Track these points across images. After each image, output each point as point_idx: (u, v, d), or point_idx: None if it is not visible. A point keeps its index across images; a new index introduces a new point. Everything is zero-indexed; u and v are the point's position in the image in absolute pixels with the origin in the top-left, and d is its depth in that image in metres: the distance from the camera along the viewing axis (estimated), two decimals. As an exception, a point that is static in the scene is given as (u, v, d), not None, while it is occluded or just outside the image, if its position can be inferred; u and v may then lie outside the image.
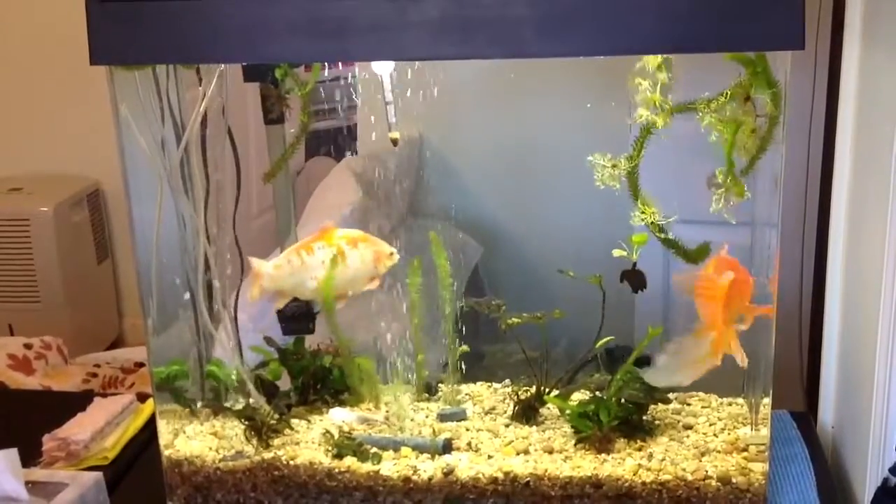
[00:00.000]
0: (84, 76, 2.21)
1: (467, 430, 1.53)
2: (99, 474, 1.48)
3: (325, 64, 1.52)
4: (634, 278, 1.40)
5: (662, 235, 1.36)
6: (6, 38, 3.45)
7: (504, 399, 1.61)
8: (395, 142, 1.47)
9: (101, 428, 1.66)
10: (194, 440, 1.53)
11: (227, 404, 1.58)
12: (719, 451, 1.44)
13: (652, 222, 1.35)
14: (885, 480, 1.33)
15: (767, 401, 1.43)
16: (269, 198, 1.65)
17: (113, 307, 3.67)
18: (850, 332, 1.60)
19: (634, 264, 1.40)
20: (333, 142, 2.39)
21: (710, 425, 1.51)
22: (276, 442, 1.51)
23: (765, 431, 1.43)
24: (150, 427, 1.66)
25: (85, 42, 1.33)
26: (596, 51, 1.24)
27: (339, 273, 1.48)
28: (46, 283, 3.39)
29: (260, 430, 1.49)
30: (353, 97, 1.84)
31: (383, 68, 1.42)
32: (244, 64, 1.45)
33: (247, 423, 1.50)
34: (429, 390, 1.63)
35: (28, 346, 2.77)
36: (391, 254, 1.51)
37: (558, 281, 1.55)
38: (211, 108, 1.52)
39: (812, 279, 1.91)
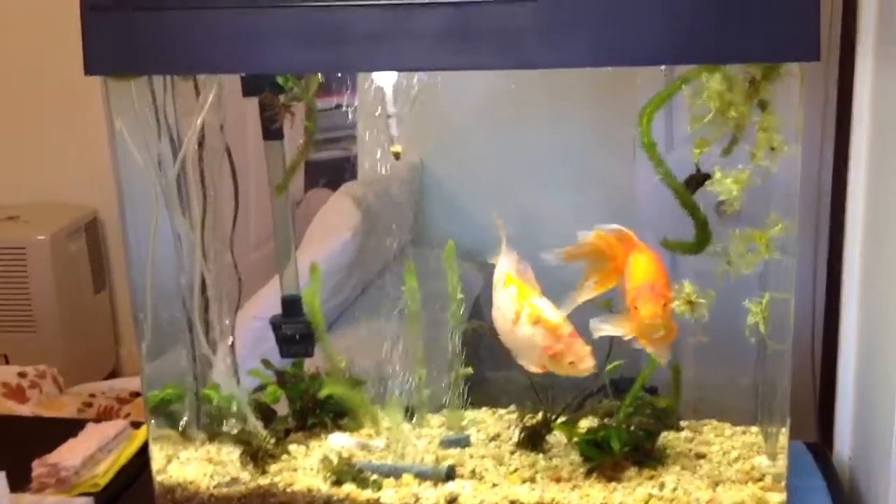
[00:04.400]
0: (83, 103, 2.19)
1: (471, 457, 1.48)
2: (89, 499, 1.43)
3: (325, 86, 1.49)
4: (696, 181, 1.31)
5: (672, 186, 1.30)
6: (1, 64, 3.43)
7: (509, 426, 1.55)
8: (397, 155, 1.43)
9: (92, 454, 1.60)
10: (188, 466, 1.48)
11: (223, 429, 1.52)
12: (734, 481, 1.38)
13: (667, 177, 1.29)
14: (909, 511, 1.28)
15: (785, 429, 1.37)
16: (268, 227, 1.61)
17: (110, 337, 3.62)
18: (867, 360, 1.55)
19: (698, 168, 1.30)
20: (333, 173, 2.37)
21: (724, 454, 1.46)
22: (273, 468, 1.45)
23: (782, 461, 1.37)
24: (143, 454, 1.60)
25: (81, 70, 1.30)
26: (602, 61, 1.20)
27: (507, 332, 1.35)
28: (42, 313, 3.34)
29: (256, 456, 1.44)
30: (354, 126, 1.81)
31: (385, 80, 1.39)
32: (242, 76, 1.42)
33: (243, 447, 1.44)
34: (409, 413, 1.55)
35: (22, 375, 2.71)
36: (572, 363, 1.31)
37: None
38: (209, 124, 1.48)
39: (824, 308, 1.86)
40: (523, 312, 1.33)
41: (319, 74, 1.43)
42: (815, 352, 1.88)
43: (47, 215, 3.43)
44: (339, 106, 1.86)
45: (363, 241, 2.26)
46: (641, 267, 1.30)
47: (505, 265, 1.39)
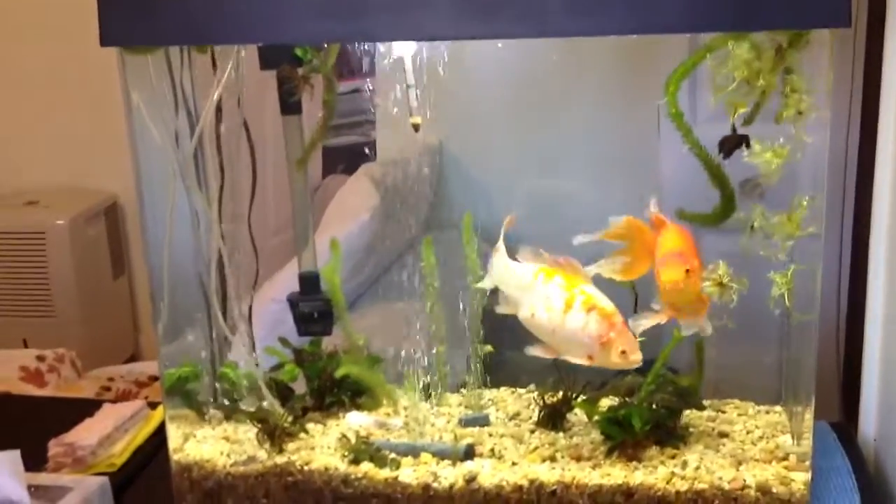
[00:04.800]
0: (103, 88, 2.19)
1: (490, 435, 1.46)
2: (104, 479, 1.42)
3: (344, 68, 1.47)
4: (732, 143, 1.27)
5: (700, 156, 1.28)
6: (23, 50, 3.44)
7: (529, 404, 1.54)
8: (416, 127, 1.41)
9: (109, 433, 1.60)
10: (205, 444, 1.47)
11: (241, 408, 1.51)
12: (758, 460, 1.36)
13: (695, 146, 1.27)
14: (938, 490, 1.25)
15: (810, 408, 1.34)
16: (288, 211, 1.59)
17: (129, 322, 3.63)
18: (894, 340, 1.52)
19: (734, 128, 1.26)
20: (351, 159, 2.35)
21: (748, 433, 1.43)
22: (290, 446, 1.44)
23: (807, 440, 1.34)
24: (160, 434, 1.59)
25: (102, 54, 1.29)
26: (627, 28, 1.18)
27: (552, 321, 1.29)
28: (61, 298, 3.35)
29: (273, 434, 1.42)
30: (372, 111, 1.80)
31: (405, 49, 1.37)
32: (260, 48, 1.40)
33: (259, 426, 1.43)
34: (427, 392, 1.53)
35: (41, 359, 2.72)
36: (624, 353, 1.27)
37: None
38: (227, 99, 1.47)
39: (848, 286, 1.83)
40: (576, 300, 1.27)
41: (339, 46, 1.41)
42: (840, 332, 1.85)
43: (67, 200, 3.43)
44: (357, 90, 1.85)
45: (382, 223, 2.24)
46: (668, 239, 1.28)
47: (503, 262, 1.36)
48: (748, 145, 1.24)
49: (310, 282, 1.55)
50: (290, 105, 1.47)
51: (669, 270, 1.23)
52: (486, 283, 1.39)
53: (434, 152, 2.52)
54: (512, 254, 1.38)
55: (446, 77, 1.47)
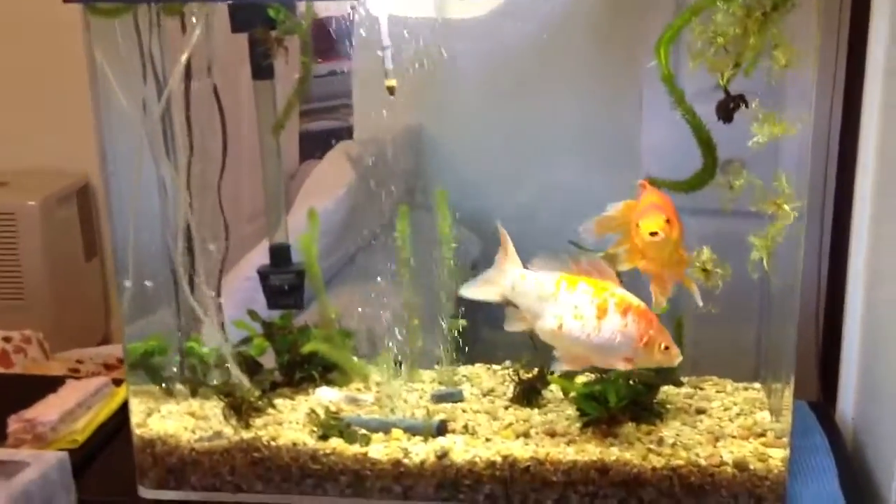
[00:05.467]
0: (74, 68, 2.13)
1: (464, 411, 1.43)
2: (64, 454, 1.37)
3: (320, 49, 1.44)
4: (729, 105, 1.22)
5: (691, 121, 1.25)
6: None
7: (504, 381, 1.51)
8: (391, 90, 1.37)
9: (70, 409, 1.55)
10: (169, 420, 1.43)
11: (207, 382, 1.47)
12: (735, 437, 1.33)
13: (687, 112, 1.24)
14: (918, 466, 1.23)
15: (789, 385, 1.32)
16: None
17: (101, 305, 3.56)
18: (874, 321, 1.50)
19: (727, 91, 1.22)
20: (328, 144, 2.30)
21: (725, 410, 1.41)
22: (258, 422, 1.40)
23: (787, 416, 1.32)
24: (124, 411, 1.55)
25: (72, 32, 1.26)
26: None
27: (585, 329, 1.22)
28: (32, 280, 3.27)
29: (239, 409, 1.38)
30: (350, 95, 1.76)
31: (381, 9, 1.33)
32: (230, 7, 1.35)
33: (226, 400, 1.39)
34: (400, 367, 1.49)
35: (7, 340, 2.66)
36: (666, 348, 1.22)
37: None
38: (196, 65, 1.43)
39: (828, 265, 1.81)
40: (609, 304, 1.21)
41: (313, 6, 1.37)
42: (819, 313, 1.82)
43: (38, 181, 3.35)
44: (334, 72, 1.81)
45: (358, 201, 2.20)
46: (646, 197, 1.23)
47: (517, 274, 1.27)
48: (746, 105, 1.21)
49: (281, 254, 1.51)
50: (262, 69, 1.43)
51: (648, 220, 1.17)
52: (492, 296, 1.29)
53: (414, 133, 2.48)
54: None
55: (427, 57, 1.44)
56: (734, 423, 1.37)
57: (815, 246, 1.88)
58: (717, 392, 1.46)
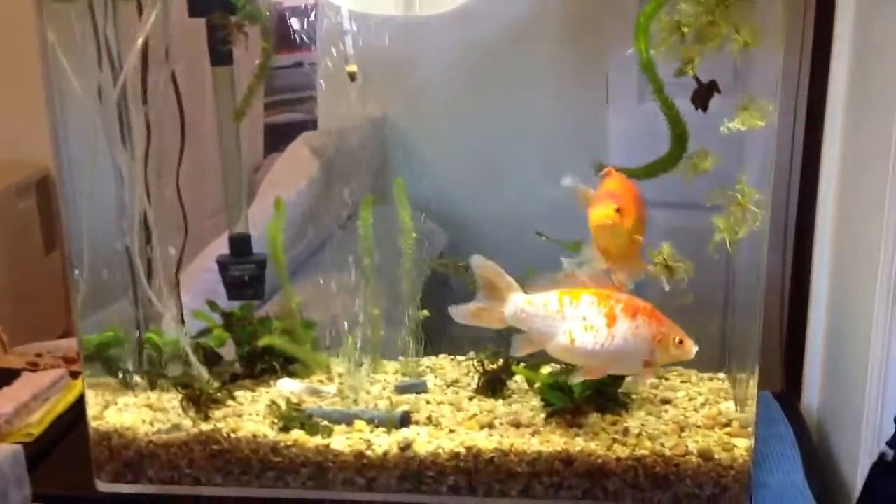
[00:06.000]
0: (33, 57, 2.08)
1: (427, 402, 1.41)
2: (17, 447, 1.33)
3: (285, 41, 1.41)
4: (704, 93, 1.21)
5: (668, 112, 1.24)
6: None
7: (468, 372, 1.49)
8: (352, 76, 1.35)
9: (25, 402, 1.52)
10: (126, 412, 1.39)
11: (165, 374, 1.44)
12: (700, 427, 1.33)
13: (661, 99, 1.23)
14: (882, 455, 1.23)
15: (754, 376, 1.31)
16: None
17: (61, 299, 3.50)
18: (838, 313, 1.50)
19: (698, 79, 1.20)
20: (293, 137, 2.27)
21: (690, 400, 1.40)
22: (217, 414, 1.37)
23: (751, 405, 1.31)
24: (82, 404, 1.51)
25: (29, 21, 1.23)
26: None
27: (598, 339, 1.19)
28: (-10, 273, 3.20)
29: (198, 400, 1.36)
30: (314, 87, 1.73)
31: (341, -1, 1.30)
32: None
33: (184, 392, 1.36)
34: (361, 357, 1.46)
35: (-36, 333, 2.60)
36: (681, 342, 1.20)
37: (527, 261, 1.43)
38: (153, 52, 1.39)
39: (792, 258, 1.81)
40: (617, 310, 1.18)
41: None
42: (784, 304, 1.82)
43: (-5, 172, 3.28)
44: (299, 64, 1.78)
45: (321, 193, 2.17)
46: (605, 184, 1.21)
47: (521, 300, 1.22)
48: (719, 91, 1.20)
49: (241, 244, 1.47)
50: (221, 55, 1.39)
51: (598, 209, 1.15)
52: (491, 324, 1.25)
53: (378, 124, 2.46)
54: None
55: (391, 48, 1.42)
56: (699, 413, 1.37)
57: (780, 238, 1.88)
58: (683, 382, 1.45)
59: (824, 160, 1.54)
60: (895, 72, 1.20)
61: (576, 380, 1.24)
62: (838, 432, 1.45)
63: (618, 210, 1.15)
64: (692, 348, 1.21)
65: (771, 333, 1.84)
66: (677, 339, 1.19)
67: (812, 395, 1.59)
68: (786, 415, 1.51)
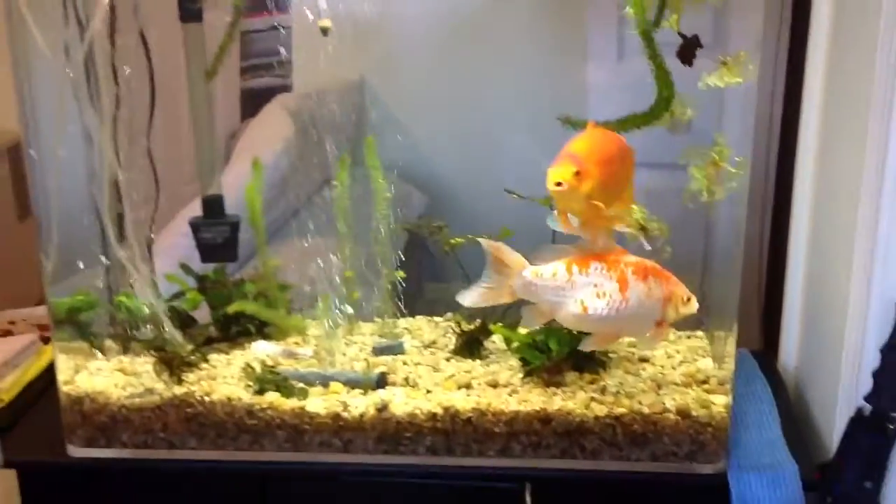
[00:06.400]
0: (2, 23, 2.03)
1: (405, 363, 1.40)
2: (-14, 411, 1.32)
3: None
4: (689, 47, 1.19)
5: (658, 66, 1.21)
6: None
7: (446, 333, 1.48)
8: (325, 31, 1.32)
9: (-4, 368, 1.50)
10: (98, 377, 1.37)
11: (137, 337, 1.42)
12: (678, 384, 1.32)
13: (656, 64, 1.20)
14: (859, 410, 1.23)
15: (732, 333, 1.31)
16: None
17: (36, 267, 3.45)
18: (816, 272, 1.49)
19: (682, 34, 1.17)
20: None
21: (669, 358, 1.40)
22: (191, 377, 1.35)
23: (729, 362, 1.31)
24: (53, 370, 1.49)
25: None
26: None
27: (613, 304, 1.16)
28: (-38, 241, 3.16)
29: (171, 364, 1.34)
30: (290, 50, 1.69)
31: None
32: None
33: (157, 355, 1.34)
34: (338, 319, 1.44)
35: (-64, 302, 2.56)
36: (688, 299, 1.19)
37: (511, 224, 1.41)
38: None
39: (771, 218, 1.80)
40: (628, 273, 1.16)
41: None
42: (762, 263, 1.82)
43: (-34, 139, 3.23)
44: (274, 27, 1.74)
45: (297, 156, 2.14)
46: (574, 140, 1.15)
47: (529, 273, 1.19)
48: (701, 46, 1.18)
49: (213, 205, 1.45)
50: (190, 12, 1.36)
51: (554, 169, 1.11)
52: (500, 301, 1.22)
53: (355, 88, 2.42)
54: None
55: (368, 10, 1.39)
56: (677, 370, 1.36)
57: (760, 197, 1.87)
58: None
59: (804, 120, 1.53)
60: (875, 30, 1.19)
61: (587, 348, 1.23)
62: (815, 389, 1.45)
63: (577, 173, 1.10)
64: (696, 304, 1.20)
65: (749, 292, 1.84)
66: (685, 297, 1.19)
67: (790, 352, 1.58)
68: (763, 372, 1.51)
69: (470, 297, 1.22)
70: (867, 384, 1.22)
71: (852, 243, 1.25)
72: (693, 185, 1.21)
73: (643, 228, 1.22)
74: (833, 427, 1.30)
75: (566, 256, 1.19)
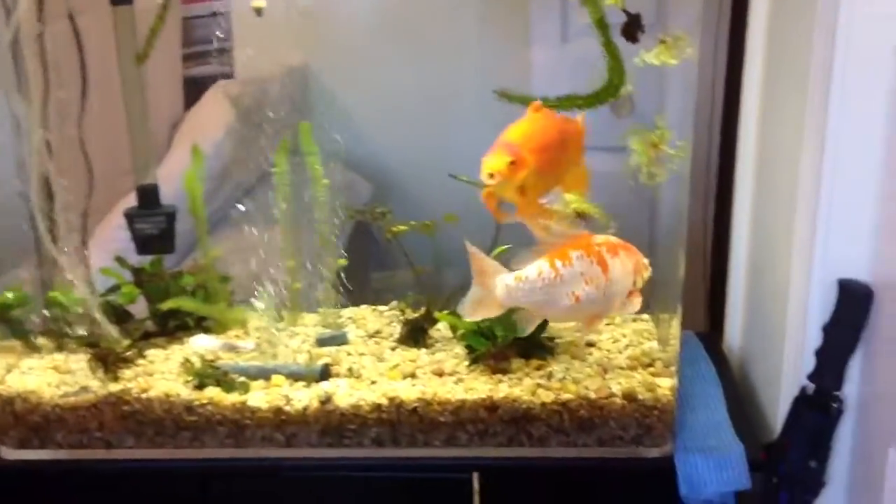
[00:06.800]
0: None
1: (349, 354, 1.37)
2: (-87, 416, 1.26)
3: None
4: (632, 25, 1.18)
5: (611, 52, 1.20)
6: None
7: (390, 322, 1.45)
8: (258, 11, 1.28)
9: (-76, 369, 1.44)
10: (30, 375, 1.33)
11: (71, 333, 1.37)
12: (623, 368, 1.32)
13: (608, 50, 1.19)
14: (803, 389, 1.23)
15: (677, 314, 1.30)
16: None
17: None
18: (760, 254, 1.50)
19: (626, 11, 1.17)
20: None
21: (614, 342, 1.39)
22: (128, 374, 1.32)
23: (674, 344, 1.31)
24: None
25: None
26: None
27: (600, 287, 1.17)
28: None
29: (106, 360, 1.30)
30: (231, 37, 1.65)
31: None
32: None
33: (91, 352, 1.30)
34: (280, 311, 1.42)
35: None
36: (647, 265, 1.22)
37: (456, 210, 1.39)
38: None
39: (714, 201, 1.81)
40: (604, 254, 1.17)
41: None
42: (706, 246, 1.82)
43: None
44: (215, 14, 1.70)
45: (238, 143, 2.10)
46: (507, 131, 1.14)
47: (512, 278, 1.16)
48: (642, 27, 1.17)
49: (148, 195, 1.41)
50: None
51: (488, 160, 1.09)
52: (494, 313, 1.20)
53: (298, 74, 2.38)
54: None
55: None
56: (623, 354, 1.35)
57: (703, 179, 1.88)
58: (607, 324, 1.44)
59: (745, 104, 1.53)
60: (812, 8, 1.19)
61: (586, 335, 1.27)
62: (760, 369, 1.46)
63: (512, 162, 1.09)
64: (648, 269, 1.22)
65: (695, 275, 1.84)
66: (646, 262, 1.21)
67: (734, 334, 1.59)
68: (708, 353, 1.51)
69: (468, 314, 1.19)
70: (810, 363, 1.22)
71: (793, 224, 1.25)
72: (633, 158, 1.19)
73: (581, 216, 1.21)
74: (777, 406, 1.30)
75: (540, 254, 1.17)
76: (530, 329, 1.21)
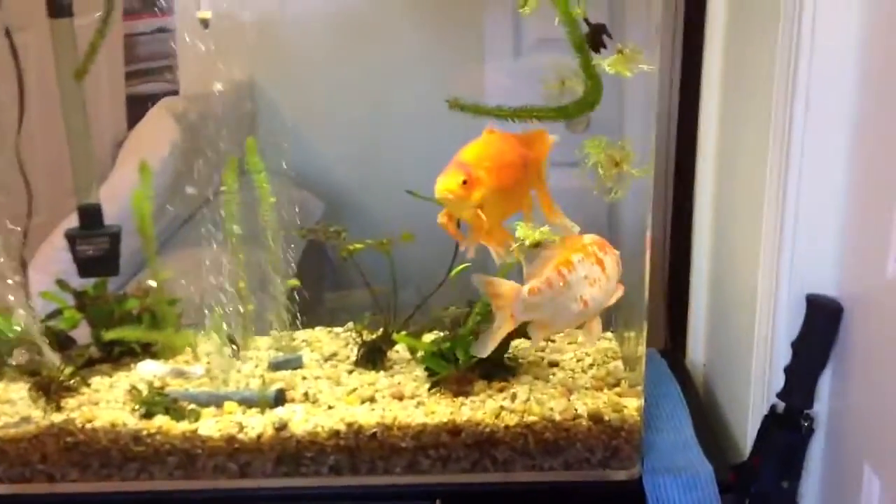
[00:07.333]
0: None
1: (304, 378, 1.32)
2: None
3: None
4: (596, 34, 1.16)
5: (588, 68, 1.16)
6: None
7: (347, 343, 1.41)
8: (205, 22, 1.23)
9: None
10: (-34, 407, 1.26)
11: (9, 362, 1.30)
12: (589, 388, 1.28)
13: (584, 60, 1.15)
14: (773, 407, 1.21)
15: (642, 334, 1.28)
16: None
17: None
18: (721, 269, 1.48)
19: (588, 21, 1.13)
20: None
21: (578, 361, 1.36)
22: (71, 403, 1.25)
23: (640, 366, 1.28)
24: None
25: None
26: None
27: (601, 286, 1.16)
28: None
29: (48, 389, 1.23)
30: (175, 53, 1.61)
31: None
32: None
33: (32, 380, 1.23)
34: (232, 342, 1.37)
35: None
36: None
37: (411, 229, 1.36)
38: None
39: (671, 215, 1.79)
40: (598, 253, 1.17)
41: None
42: (665, 260, 1.81)
43: None
44: (161, 30, 1.67)
45: (183, 162, 2.04)
46: (462, 151, 1.11)
47: (523, 293, 1.14)
48: (608, 33, 1.14)
49: (90, 215, 1.35)
50: (60, 7, 1.26)
51: (442, 179, 1.07)
52: (510, 328, 1.16)
53: (245, 89, 2.33)
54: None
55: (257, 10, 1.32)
56: (587, 374, 1.32)
57: (661, 194, 1.86)
58: (569, 344, 1.41)
59: (703, 115, 1.52)
60: (773, 13, 1.17)
61: (592, 342, 1.27)
62: (726, 386, 1.44)
63: (465, 182, 1.07)
64: None
65: (654, 290, 1.83)
66: (619, 253, 1.21)
67: (697, 350, 1.57)
68: (672, 371, 1.49)
69: (486, 346, 1.15)
70: (779, 381, 1.20)
71: (759, 237, 1.23)
72: (590, 160, 1.16)
73: (538, 244, 1.19)
74: (746, 425, 1.28)
75: (548, 261, 1.16)
76: (540, 341, 1.23)
